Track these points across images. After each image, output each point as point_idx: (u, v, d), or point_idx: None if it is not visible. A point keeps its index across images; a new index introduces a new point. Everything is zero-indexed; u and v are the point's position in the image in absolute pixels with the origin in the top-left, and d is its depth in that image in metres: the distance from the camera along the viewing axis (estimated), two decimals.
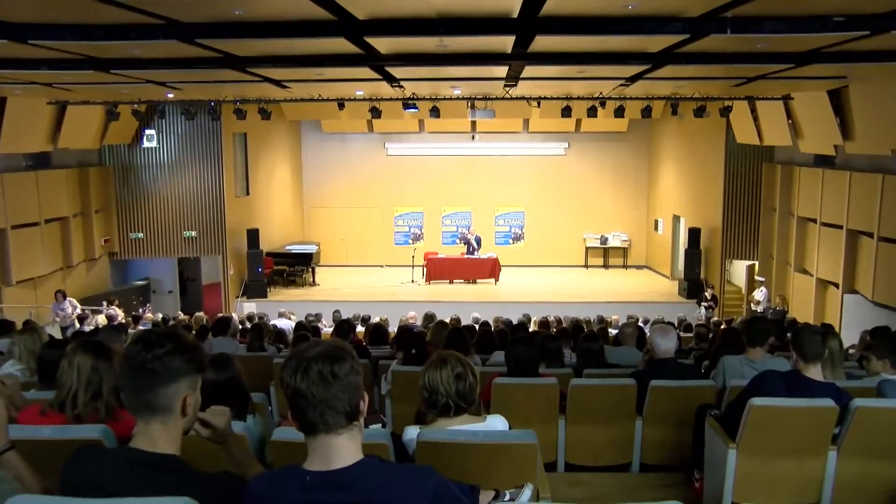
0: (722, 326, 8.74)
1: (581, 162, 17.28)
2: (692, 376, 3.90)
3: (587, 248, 17.26)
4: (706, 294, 12.77)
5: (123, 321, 9.74)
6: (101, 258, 13.07)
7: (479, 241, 15.53)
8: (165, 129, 13.30)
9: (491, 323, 9.07)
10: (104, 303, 11.57)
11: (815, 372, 2.95)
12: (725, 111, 11.15)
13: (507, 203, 17.43)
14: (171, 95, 10.58)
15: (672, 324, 8.14)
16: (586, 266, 17.19)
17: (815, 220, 10.51)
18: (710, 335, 7.13)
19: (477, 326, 7.91)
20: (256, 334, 6.20)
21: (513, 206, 17.43)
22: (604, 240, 17.12)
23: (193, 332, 7.93)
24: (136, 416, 1.51)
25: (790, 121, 10.66)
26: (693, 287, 13.52)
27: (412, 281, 15.12)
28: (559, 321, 9.98)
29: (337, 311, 10.81)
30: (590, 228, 17.26)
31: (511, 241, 17.56)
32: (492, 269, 15.07)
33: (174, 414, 1.50)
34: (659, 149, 16.63)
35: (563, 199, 17.24)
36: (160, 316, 10.77)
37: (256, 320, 9.43)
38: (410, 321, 9.70)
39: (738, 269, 14.32)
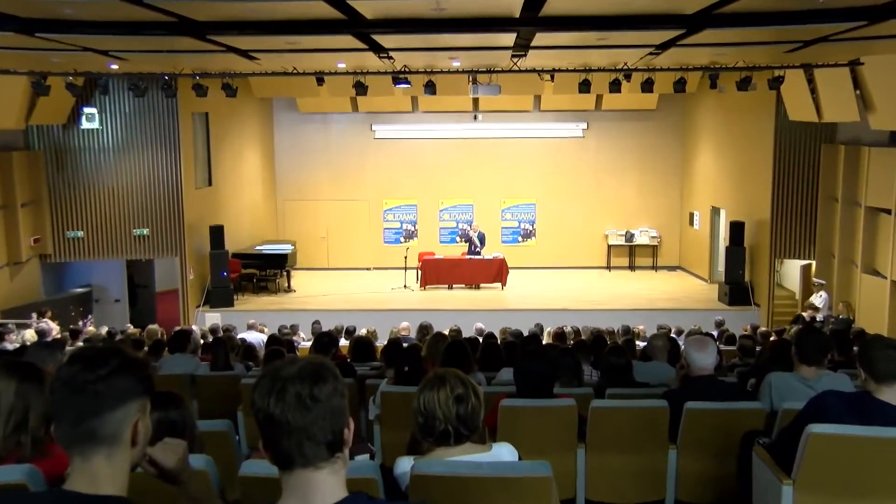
0: (771, 338, 8.72)
1: (602, 145, 17.31)
2: (736, 397, 3.89)
3: (610, 247, 17.33)
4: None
5: (59, 336, 9.53)
6: (30, 261, 12.50)
7: (482, 239, 15.49)
8: (109, 108, 12.85)
9: (497, 335, 9.10)
10: (34, 315, 11.04)
11: (890, 395, 2.84)
12: (776, 82, 10.80)
13: (516, 194, 17.53)
14: (115, 67, 10.31)
15: (711, 335, 8.12)
16: (609, 268, 17.30)
17: (888, 211, 10.12)
18: (758, 349, 7.11)
19: (481, 339, 7.93)
20: (221, 350, 6.21)
21: (522, 197, 17.54)
22: (629, 236, 17.18)
23: (146, 348, 7.91)
24: (73, 451, 1.47)
25: (858, 91, 10.05)
26: (736, 292, 13.44)
27: (404, 286, 15.12)
28: (577, 332, 10.00)
29: (316, 323, 10.86)
30: (613, 223, 17.37)
31: (520, 238, 17.67)
32: (497, 271, 15.10)
33: (122, 444, 1.47)
34: (695, 129, 16.67)
35: (582, 190, 17.34)
36: (105, 330, 10.45)
37: (221, 334, 9.55)
38: (402, 333, 9.73)
39: (791, 271, 14.31)
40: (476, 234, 15.55)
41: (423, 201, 17.53)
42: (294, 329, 10.90)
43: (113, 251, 13.25)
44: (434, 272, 15.11)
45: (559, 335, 9.04)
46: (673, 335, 9.17)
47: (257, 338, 9.70)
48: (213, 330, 10.33)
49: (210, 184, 14.79)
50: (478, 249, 15.35)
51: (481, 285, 15.18)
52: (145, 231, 13.26)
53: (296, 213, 17.49)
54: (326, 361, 1.51)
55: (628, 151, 17.29)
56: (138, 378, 1.50)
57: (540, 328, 10.21)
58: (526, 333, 8.87)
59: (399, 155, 17.40)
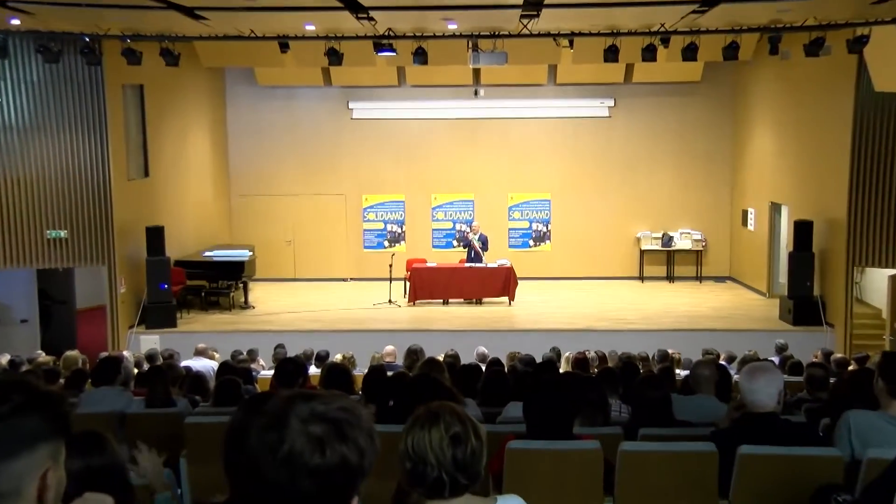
0: (850, 367, 8.66)
1: (633, 127, 17.39)
2: (804, 440, 3.88)
3: (643, 253, 17.45)
4: None
5: None
6: None
7: (485, 243, 15.59)
8: (12, 76, 12.24)
9: (504, 361, 9.14)
10: None
11: None
12: (858, 44, 10.26)
13: (527, 188, 17.65)
14: (16, 22, 9.91)
15: (771, 362, 7.91)
16: (641, 278, 17.41)
17: None
18: (832, 380, 7.08)
19: (483, 366, 7.98)
20: (160, 382, 6.21)
21: (534, 192, 17.66)
22: (667, 240, 17.33)
23: (62, 380, 7.86)
24: None
25: None
26: (802, 308, 13.31)
27: (389, 301, 15.21)
28: (603, 358, 10.03)
29: (280, 347, 10.85)
30: (647, 224, 17.51)
31: (532, 242, 17.81)
32: (504, 282, 15.20)
33: (23, 502, 1.43)
34: (749, 105, 16.69)
35: (608, 182, 17.47)
36: (6, 359, 10.12)
37: (160, 361, 9.51)
38: (387, 360, 9.76)
39: (876, 283, 14.16)
40: (477, 237, 15.59)
41: (412, 197, 17.64)
42: (252, 355, 10.92)
43: (19, 258, 12.77)
44: (426, 284, 15.22)
45: (580, 362, 9.01)
46: (722, 362, 9.20)
47: (206, 365, 9.71)
48: (151, 357, 10.31)
49: (146, 174, 14.76)
50: (479, 256, 15.48)
51: (484, 300, 15.31)
52: (62, 233, 12.89)
53: (255, 212, 17.63)
54: (346, 399, 1.48)
55: (665, 135, 17.39)
56: (48, 417, 1.47)
57: (556, 353, 10.24)
58: (539, 360, 8.87)
59: (382, 139, 17.53)
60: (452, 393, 4.52)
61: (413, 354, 9.08)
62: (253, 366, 10.11)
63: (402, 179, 17.57)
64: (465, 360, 8.83)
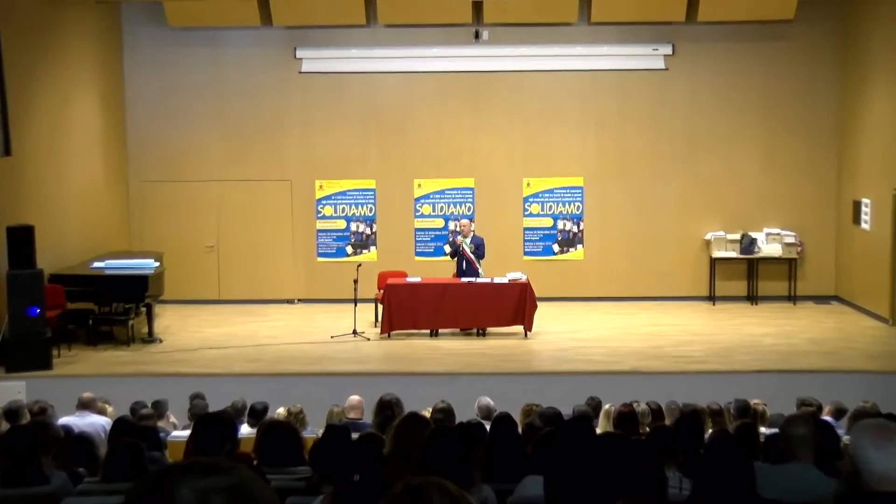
0: None
1: (698, 84, 17.50)
2: None
3: (714, 262, 17.50)
4: None
5: None
6: None
7: (479, 248, 15.67)
8: None
9: (517, 418, 9.13)
10: None
11: None
12: None
13: (550, 170, 17.75)
14: None
15: None
16: (712, 298, 17.50)
17: None
18: None
19: (488, 425, 7.99)
20: (26, 449, 6.12)
21: (560, 176, 17.74)
22: (748, 244, 17.41)
23: None
24: None
25: None
26: None
27: (354, 332, 15.23)
28: (657, 412, 9.95)
29: (198, 398, 10.87)
30: (719, 222, 17.57)
31: (557, 247, 17.90)
32: (518, 305, 15.18)
33: None
34: (864, 55, 16.73)
35: (664, 162, 17.58)
36: None
37: (27, 419, 9.35)
38: (350, 416, 9.80)
39: None
40: (469, 240, 15.65)
41: (386, 183, 17.74)
42: (160, 408, 10.87)
43: None
44: (406, 308, 15.19)
45: (626, 418, 8.86)
46: (826, 417, 9.26)
47: (95, 423, 9.65)
48: (12, 412, 9.96)
49: (7, 153, 14.64)
50: (473, 266, 15.55)
51: (488, 330, 15.32)
52: None
53: (163, 205, 17.66)
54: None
55: (744, 95, 17.42)
56: None
57: (593, 406, 10.21)
58: (568, 414, 8.86)
59: (344, 102, 17.63)
60: (464, 466, 4.57)
61: (387, 408, 9.06)
62: (161, 424, 10.11)
63: (373, 159, 17.61)
64: (461, 416, 8.77)
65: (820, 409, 10.07)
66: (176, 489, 1.50)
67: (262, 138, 17.61)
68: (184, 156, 17.67)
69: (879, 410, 9.37)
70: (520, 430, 7.76)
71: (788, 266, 17.46)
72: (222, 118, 17.62)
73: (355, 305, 15.27)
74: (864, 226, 16.72)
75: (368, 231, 17.81)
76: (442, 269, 16.75)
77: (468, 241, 15.62)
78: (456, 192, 17.77)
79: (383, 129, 17.63)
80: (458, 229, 16.24)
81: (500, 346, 14.87)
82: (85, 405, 10.38)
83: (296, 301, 17.43)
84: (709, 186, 17.55)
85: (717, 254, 17.39)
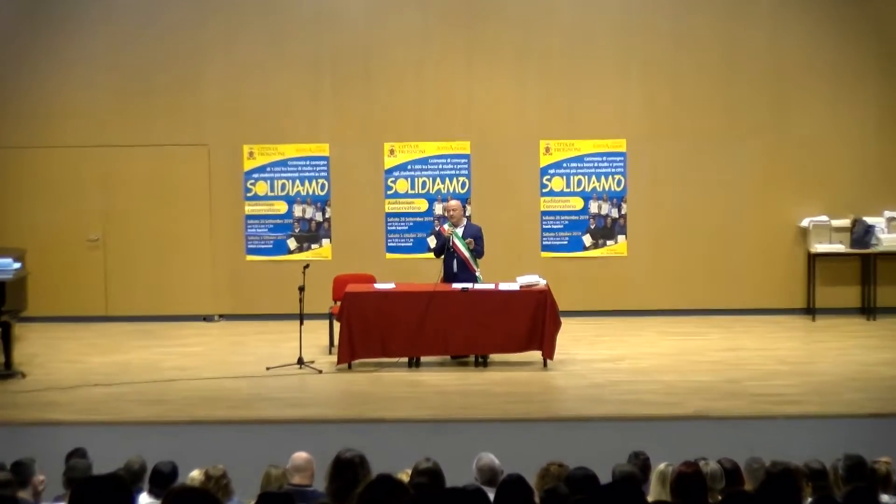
0: None
1: (791, 5, 17.76)
2: None
3: (813, 259, 17.90)
4: None
5: None
6: None
7: (477, 241, 15.74)
8: None
9: (532, 482, 8.89)
10: None
11: None
12: None
13: (578, 130, 18.10)
14: None
15: None
16: (811, 310, 17.91)
17: None
18: None
19: (492, 494, 7.81)
20: None
21: (592, 138, 17.94)
22: (861, 233, 17.72)
23: None
24: None
25: None
26: None
27: (299, 362, 15.37)
28: (733, 472, 9.79)
29: (76, 456, 10.70)
30: (820, 203, 17.90)
31: (589, 239, 18.12)
32: (533, 321, 15.29)
33: None
34: None
35: (739, 118, 17.92)
36: None
37: None
38: (295, 481, 9.79)
39: None
40: (460, 231, 15.70)
41: (343, 148, 18.19)
42: (23, 472, 10.44)
43: None
44: (372, 326, 15.32)
45: (688, 481, 8.66)
46: None
47: None
48: None
49: None
50: (468, 267, 15.67)
51: (491, 358, 15.44)
52: None
53: (27, 181, 18.09)
54: None
55: (858, 24, 17.63)
56: None
57: (641, 464, 10.20)
58: (606, 477, 8.83)
59: (285, 36, 17.96)
60: None
61: (347, 469, 8.77)
62: (23, 495, 9.89)
63: (326, 115, 18.01)
64: (453, 481, 8.55)
65: None
66: None
67: (169, 88, 17.88)
68: (58, 113, 17.99)
69: None
70: (537, 499, 7.60)
71: None
72: (113, 60, 17.92)
73: (301, 324, 15.36)
74: None
75: (319, 217, 18.05)
76: (424, 271, 16.83)
77: (460, 231, 15.61)
78: (444, 160, 18.01)
79: (341, 74, 17.94)
80: (446, 214, 16.27)
81: (509, 380, 14.92)
82: None
83: (216, 318, 17.78)
84: (805, 153, 17.82)
85: (817, 247, 17.65)
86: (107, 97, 17.85)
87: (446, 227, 15.69)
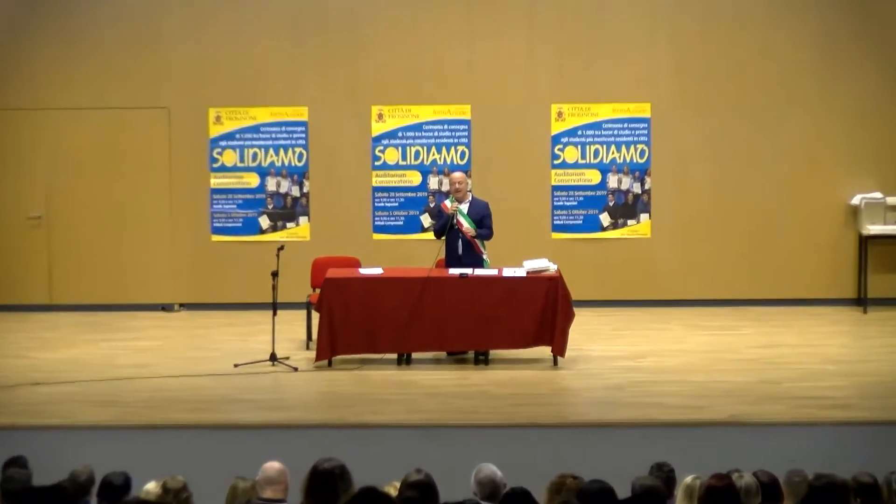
0: None
1: None
2: None
3: (864, 241, 18.02)
4: None
5: None
6: None
7: (484, 220, 15.86)
8: None
9: (541, 497, 9.00)
10: None
11: None
12: None
13: (595, 93, 18.29)
14: None
15: None
16: (862, 301, 18.02)
17: None
18: None
19: None
20: None
21: (612, 101, 18.11)
22: None
23: None
24: None
25: None
26: None
27: (272, 359, 15.46)
28: (769, 486, 9.65)
29: (15, 467, 10.47)
30: (871, 177, 18.05)
31: (608, 219, 18.41)
32: (542, 313, 15.37)
33: None
34: None
35: (780, 82, 17.87)
36: None
37: None
38: (267, 495, 9.66)
39: None
40: (465, 207, 15.73)
41: (324, 112, 18.32)
42: None
43: None
44: (356, 317, 15.40)
45: (719, 495, 8.74)
46: None
47: None
48: None
49: None
50: (473, 249, 15.78)
51: (492, 354, 15.50)
52: None
53: None
54: None
55: None
56: None
57: (664, 476, 10.03)
58: (625, 491, 8.74)
59: None
60: None
61: (326, 482, 8.73)
62: None
63: (305, 74, 18.14)
64: (449, 495, 8.51)
65: None
66: None
67: (123, 43, 17.95)
68: None
69: None
70: None
71: None
72: (57, 10, 17.96)
73: (274, 314, 15.48)
74: None
75: (296, 191, 18.16)
76: (418, 254, 17.05)
77: (465, 207, 15.54)
78: (441, 126, 18.09)
79: (323, 29, 17.97)
80: (449, 188, 16.14)
81: (514, 380, 14.97)
82: None
83: (176, 307, 17.95)
84: (855, 123, 17.84)
85: (869, 228, 17.71)
86: (48, 51, 17.84)
87: (448, 202, 15.61)
